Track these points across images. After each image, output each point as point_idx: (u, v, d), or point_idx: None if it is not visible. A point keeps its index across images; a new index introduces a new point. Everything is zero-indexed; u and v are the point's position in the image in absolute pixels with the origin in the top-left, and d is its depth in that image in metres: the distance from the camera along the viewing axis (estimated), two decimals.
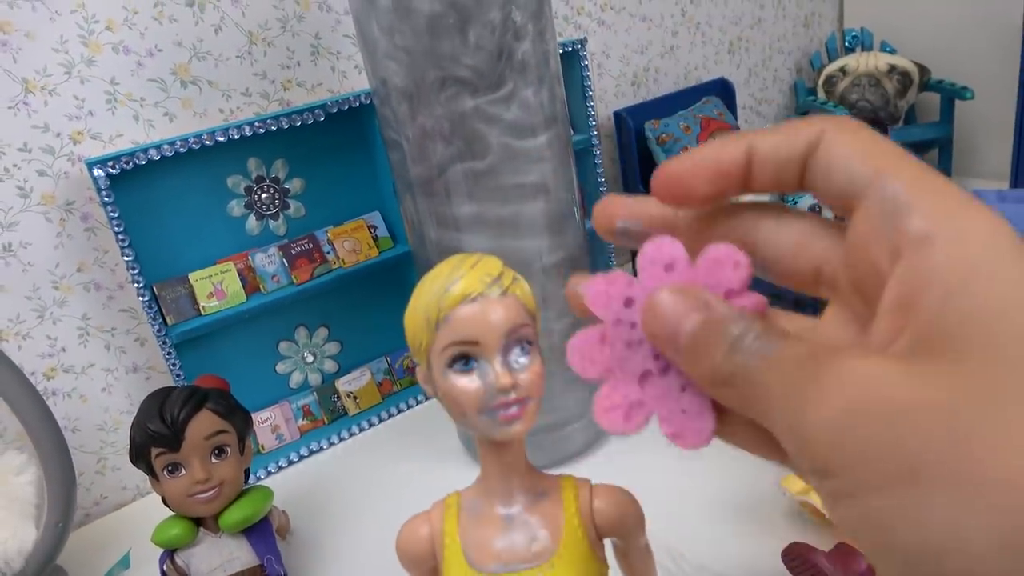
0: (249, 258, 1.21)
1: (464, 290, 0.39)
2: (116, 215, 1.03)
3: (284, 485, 1.19)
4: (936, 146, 1.87)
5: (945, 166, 1.87)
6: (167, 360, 1.11)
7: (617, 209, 0.25)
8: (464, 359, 0.39)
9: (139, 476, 1.25)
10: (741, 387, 0.19)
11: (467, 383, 0.38)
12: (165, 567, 0.89)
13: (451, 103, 0.88)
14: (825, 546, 0.80)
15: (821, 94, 1.94)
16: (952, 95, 1.80)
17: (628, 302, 0.24)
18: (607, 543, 0.43)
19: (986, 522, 0.14)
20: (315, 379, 1.34)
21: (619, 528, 0.39)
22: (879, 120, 1.47)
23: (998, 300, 0.16)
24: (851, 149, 0.19)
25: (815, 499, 0.85)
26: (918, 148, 1.89)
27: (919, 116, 1.99)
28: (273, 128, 1.13)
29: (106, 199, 1.02)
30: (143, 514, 1.16)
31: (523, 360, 0.40)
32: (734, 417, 0.22)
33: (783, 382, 0.18)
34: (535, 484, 0.41)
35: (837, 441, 0.16)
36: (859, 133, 0.19)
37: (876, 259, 0.18)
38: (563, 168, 0.98)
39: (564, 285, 0.89)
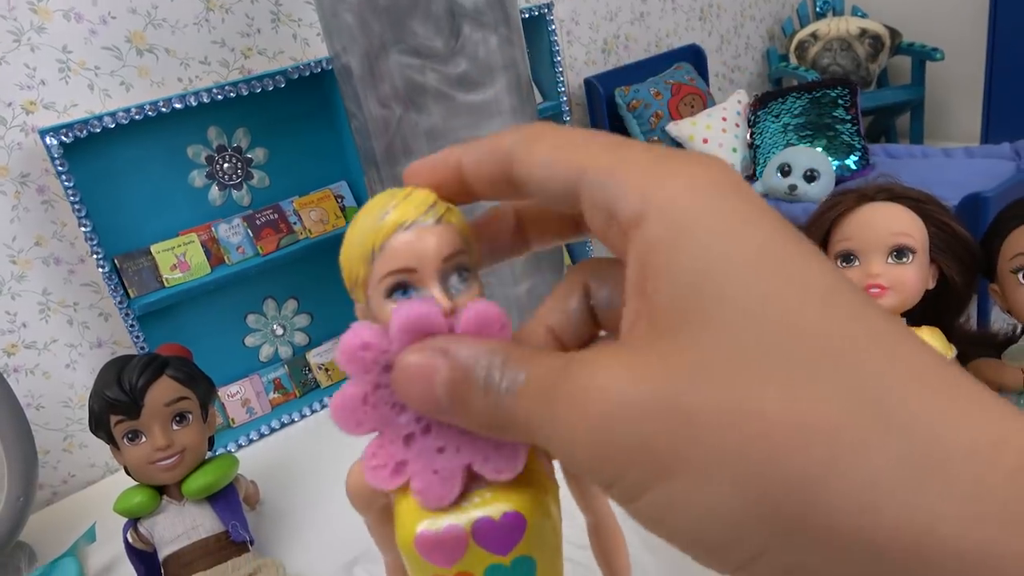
0: (212, 229, 1.19)
1: (398, 219, 0.38)
2: (71, 185, 1.01)
3: (255, 457, 1.17)
4: (908, 108, 1.86)
5: (917, 128, 1.87)
6: (131, 333, 1.09)
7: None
8: (403, 288, 0.38)
9: (108, 453, 1.23)
10: (511, 427, 0.19)
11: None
12: (129, 536, 0.88)
13: (404, 64, 0.87)
14: None
15: (793, 59, 1.93)
16: (923, 57, 1.80)
17: (387, 368, 0.24)
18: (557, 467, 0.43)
19: (729, 495, 0.14)
20: (286, 352, 1.33)
21: None
22: (851, 83, 1.46)
23: (701, 263, 0.15)
24: (547, 160, 0.19)
25: None
26: (891, 111, 1.89)
27: (891, 79, 1.98)
28: (232, 95, 1.11)
29: (60, 168, 1.00)
30: (112, 491, 1.14)
31: (461, 287, 0.39)
32: None
33: (536, 414, 0.18)
34: None
35: (600, 455, 0.16)
36: (545, 137, 0.19)
37: (616, 244, 0.18)
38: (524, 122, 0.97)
39: (532, 253, 0.88)
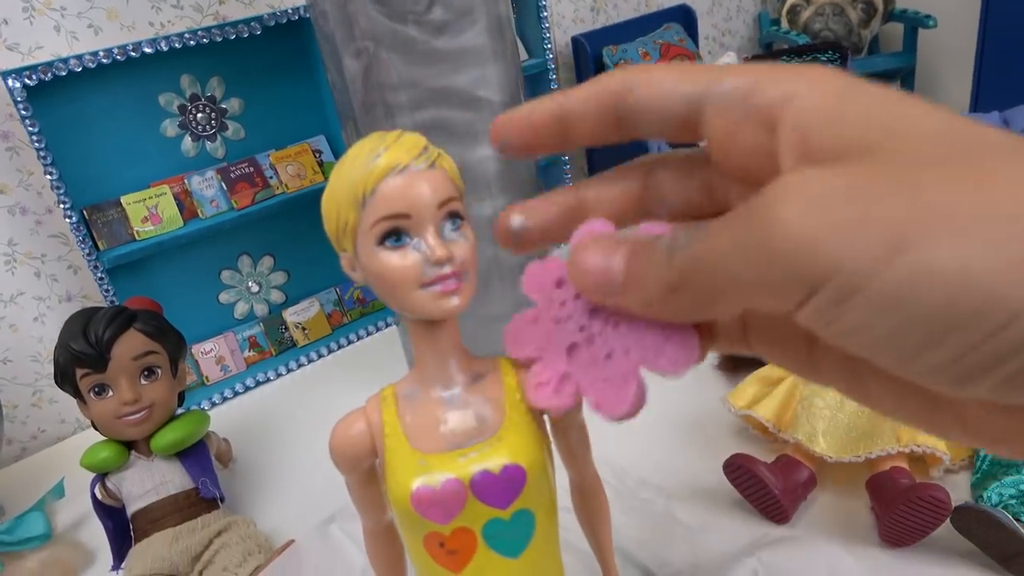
0: (185, 181, 1.16)
1: (390, 162, 0.36)
2: (36, 130, 0.97)
3: (229, 415, 1.16)
4: (899, 76, 1.84)
5: None
6: (100, 287, 1.07)
7: (513, 209, 0.26)
8: (395, 235, 0.36)
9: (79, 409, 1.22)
10: (695, 281, 0.19)
11: (399, 259, 0.35)
12: (96, 491, 0.86)
13: (380, 9, 0.83)
14: (767, 459, 0.80)
15: (785, 24, 1.90)
16: (916, 24, 1.78)
17: (559, 283, 0.26)
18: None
19: (985, 252, 0.14)
20: (261, 310, 1.31)
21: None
22: (843, 48, 1.43)
23: (876, 107, 0.17)
24: (670, 78, 0.21)
25: (759, 413, 0.85)
26: (882, 78, 1.87)
27: (883, 46, 1.96)
28: (206, 41, 1.07)
29: (24, 113, 0.96)
30: (83, 447, 1.12)
31: (455, 234, 0.37)
32: (714, 330, 0.24)
33: (733, 233, 0.17)
34: (472, 366, 0.39)
35: (814, 244, 0.16)
36: (667, 68, 0.21)
37: (753, 141, 0.19)
38: (507, 72, 0.93)
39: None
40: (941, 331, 0.15)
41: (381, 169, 0.36)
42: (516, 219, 0.25)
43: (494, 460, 0.36)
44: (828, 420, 0.80)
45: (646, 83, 0.21)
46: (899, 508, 0.70)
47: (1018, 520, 0.67)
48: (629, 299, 0.21)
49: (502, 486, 0.37)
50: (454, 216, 0.37)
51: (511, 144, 0.24)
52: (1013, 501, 0.69)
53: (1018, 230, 0.14)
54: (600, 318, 0.25)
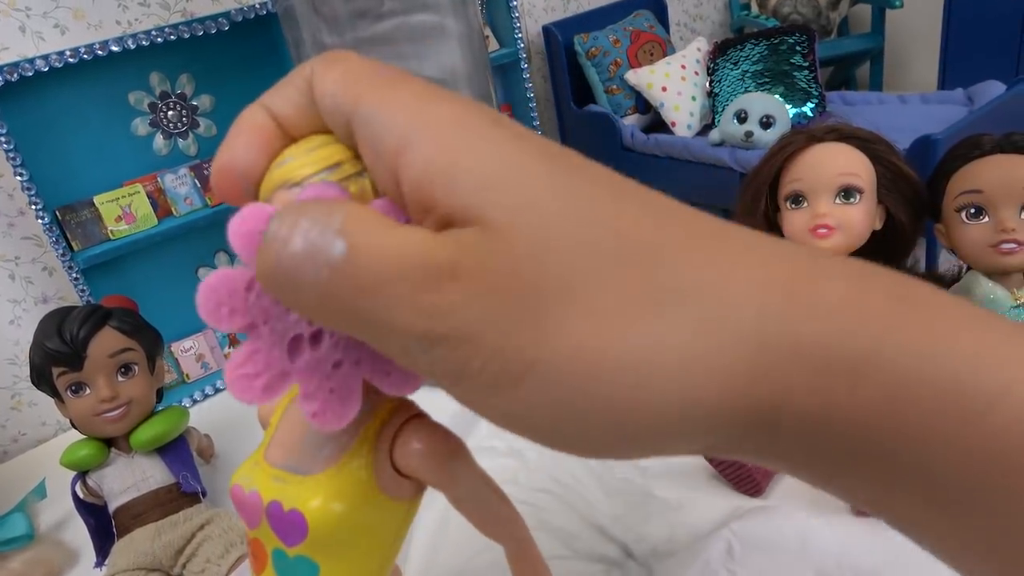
0: (158, 179, 1.15)
1: (286, 174, 0.35)
2: (4, 131, 0.96)
3: (210, 412, 1.16)
4: (868, 58, 1.87)
5: (876, 77, 1.87)
6: (76, 287, 1.07)
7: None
8: None
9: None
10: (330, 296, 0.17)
11: None
12: (77, 489, 0.86)
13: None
14: None
15: (755, 8, 1.91)
16: (883, 5, 1.80)
17: None
18: None
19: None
20: None
21: (419, 474, 0.35)
22: (810, 31, 1.45)
23: (489, 169, 0.16)
24: (335, 83, 0.19)
25: None
26: (851, 60, 1.89)
27: (851, 29, 1.98)
28: (173, 38, 1.07)
29: None
30: (64, 449, 1.13)
31: None
32: None
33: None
34: (369, 397, 0.38)
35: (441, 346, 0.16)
36: (341, 63, 0.19)
37: (385, 183, 0.18)
38: (475, 57, 0.94)
39: None
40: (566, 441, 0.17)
41: (275, 179, 0.35)
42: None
43: (290, 496, 0.35)
44: None
45: (319, 86, 0.19)
46: None
47: None
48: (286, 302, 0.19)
49: (284, 524, 0.35)
50: None
51: (253, 166, 0.21)
52: None
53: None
54: None
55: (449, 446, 0.36)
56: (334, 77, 0.19)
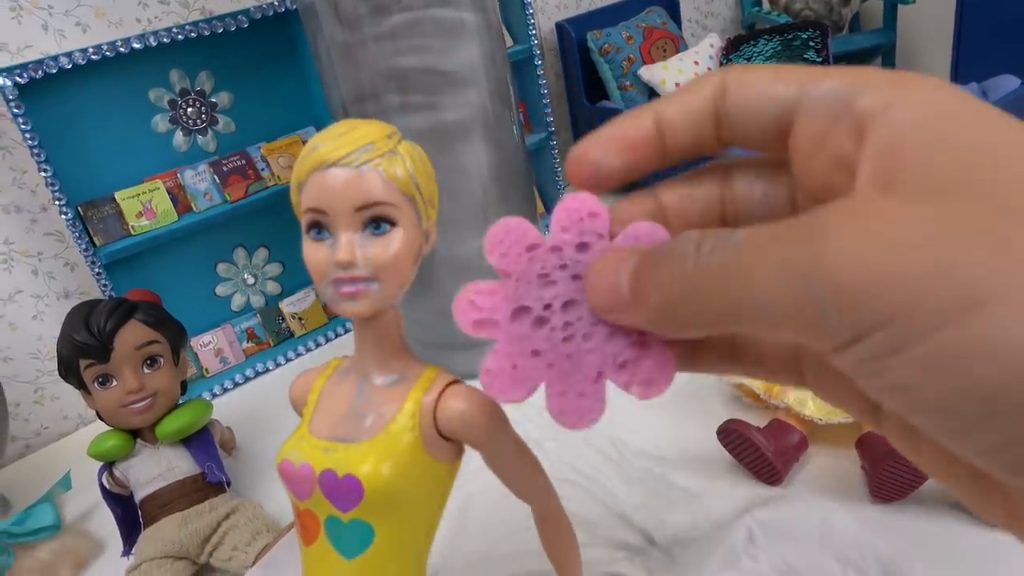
0: (178, 176, 1.17)
1: (321, 156, 0.37)
2: (29, 128, 0.98)
3: (230, 405, 1.17)
4: (880, 53, 1.87)
5: None
6: (98, 282, 1.08)
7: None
8: (317, 227, 0.37)
9: (81, 405, 1.23)
10: (714, 294, 0.17)
11: (315, 251, 0.36)
12: (104, 479, 0.87)
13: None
14: (760, 424, 0.82)
15: (766, 4, 1.92)
16: (894, 1, 1.80)
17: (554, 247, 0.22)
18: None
19: None
20: (258, 301, 1.32)
21: (460, 434, 0.37)
22: (823, 27, 1.45)
23: (975, 136, 0.15)
24: (764, 79, 0.19)
25: (752, 382, 0.87)
26: (863, 56, 1.89)
27: (863, 24, 1.98)
28: (193, 36, 1.08)
29: (16, 111, 0.97)
30: (86, 442, 1.14)
31: (373, 239, 0.37)
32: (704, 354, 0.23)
33: (775, 249, 0.16)
34: (402, 366, 0.39)
35: (875, 285, 0.14)
36: (762, 69, 0.19)
37: (838, 150, 0.17)
38: (493, 52, 0.95)
39: (505, 203, 0.84)
40: (997, 411, 0.13)
41: (311, 162, 0.36)
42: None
43: (342, 463, 0.37)
44: None
45: (740, 83, 0.19)
46: (888, 464, 0.72)
47: None
48: (632, 318, 0.19)
49: (341, 491, 0.37)
50: (377, 221, 0.36)
51: (607, 167, 0.21)
52: None
53: None
54: (585, 310, 0.23)
55: (487, 409, 0.37)
56: (759, 74, 0.19)
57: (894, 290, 0.13)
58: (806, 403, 0.82)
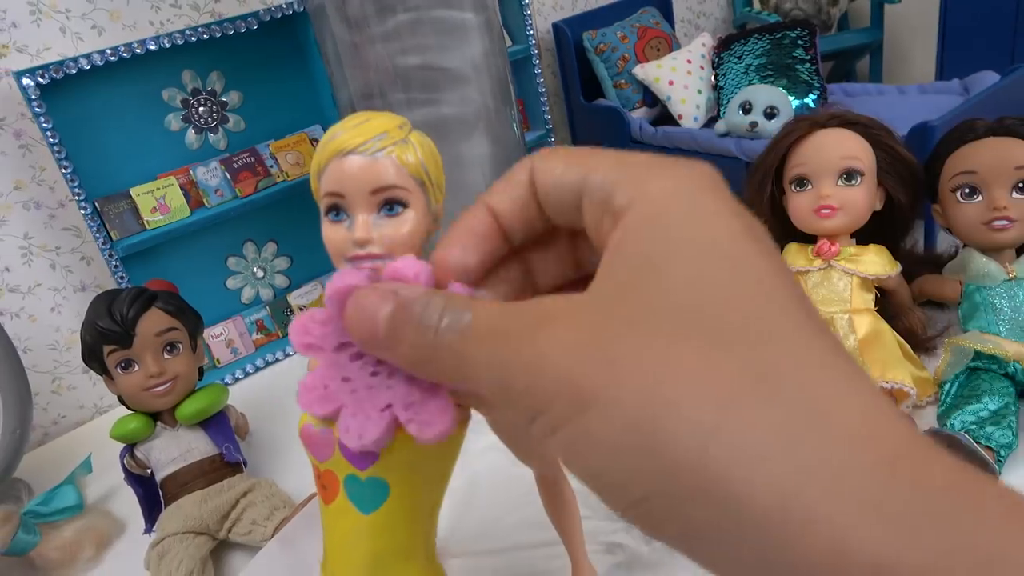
0: (191, 172, 1.21)
1: (339, 145, 0.41)
2: (50, 126, 1.02)
3: (242, 394, 1.21)
4: (868, 52, 1.92)
5: (876, 70, 1.92)
6: (115, 274, 1.12)
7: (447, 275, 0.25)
8: (336, 210, 0.42)
9: (97, 394, 1.27)
10: (449, 363, 0.20)
11: (334, 232, 0.41)
12: (125, 461, 0.92)
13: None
14: None
15: (757, 4, 1.97)
16: (881, 0, 1.85)
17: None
18: None
19: (631, 433, 0.16)
20: (267, 294, 1.36)
21: (464, 398, 0.41)
22: (811, 25, 1.50)
23: (660, 244, 0.18)
24: (558, 168, 0.21)
25: None
26: (851, 54, 1.94)
27: (851, 22, 2.03)
28: (205, 37, 1.13)
29: (38, 110, 1.01)
30: (103, 430, 1.18)
31: (387, 219, 0.42)
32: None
33: (472, 352, 0.19)
34: None
35: (532, 387, 0.18)
36: (559, 152, 0.22)
37: (600, 224, 0.20)
38: (493, 49, 0.99)
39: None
40: (605, 485, 0.17)
41: (330, 150, 0.41)
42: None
43: None
44: None
45: (542, 170, 0.22)
46: None
47: (977, 442, 0.73)
48: (388, 356, 0.22)
49: (358, 451, 0.41)
50: (391, 203, 0.41)
51: (470, 265, 0.23)
52: (973, 426, 0.76)
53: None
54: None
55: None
56: (558, 159, 0.22)
57: (546, 388, 0.17)
58: None
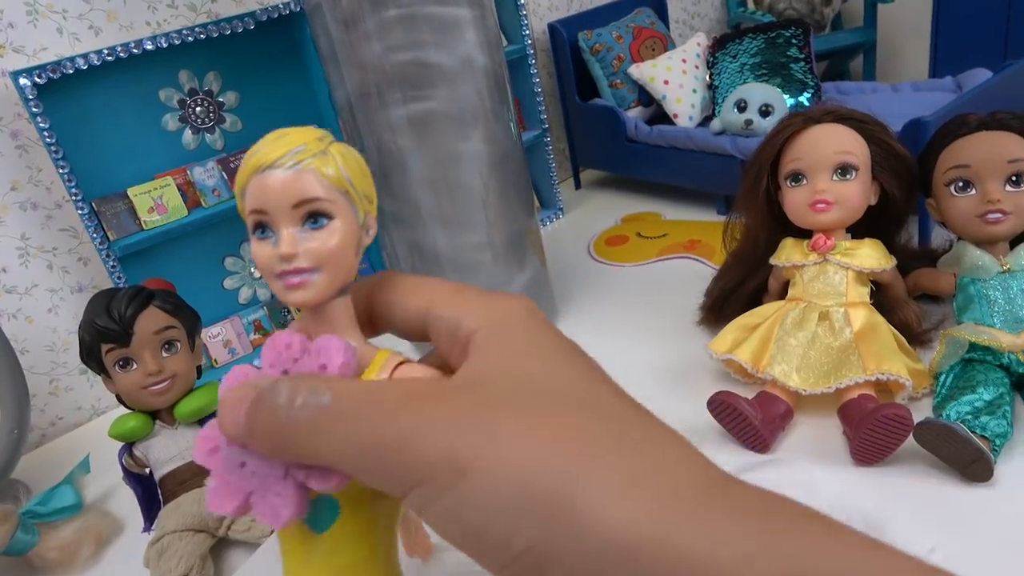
0: (188, 172, 1.21)
1: (257, 161, 0.42)
2: (47, 126, 1.02)
3: None
4: (861, 51, 1.93)
5: (870, 69, 1.94)
6: (112, 275, 1.12)
7: None
8: (261, 227, 0.42)
9: (94, 396, 1.27)
10: (292, 446, 0.21)
11: (260, 249, 0.41)
12: (124, 460, 0.92)
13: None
14: (747, 397, 0.87)
15: (751, 4, 1.98)
16: (875, 0, 1.86)
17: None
18: None
19: (511, 491, 0.18)
20: (264, 294, 1.36)
21: None
22: (804, 24, 1.51)
23: (493, 357, 0.22)
24: (400, 299, 0.27)
25: (739, 356, 0.91)
26: (845, 54, 1.95)
27: (844, 23, 2.04)
28: (202, 37, 1.13)
29: (35, 110, 1.01)
30: (100, 432, 1.18)
31: (312, 232, 0.42)
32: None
33: (349, 421, 0.21)
34: (363, 349, 0.44)
35: (408, 459, 0.19)
36: (397, 284, 0.27)
37: (457, 360, 0.24)
38: (489, 43, 0.99)
39: (504, 197, 0.91)
40: (487, 544, 0.19)
41: (249, 167, 0.41)
42: None
43: None
44: (801, 357, 0.87)
45: (382, 301, 0.27)
46: (866, 428, 0.77)
47: (973, 431, 0.74)
48: (251, 444, 0.23)
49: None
50: (314, 215, 0.42)
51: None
52: (968, 416, 0.76)
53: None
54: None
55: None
56: (397, 292, 0.27)
57: (424, 459, 0.19)
58: (791, 375, 0.87)
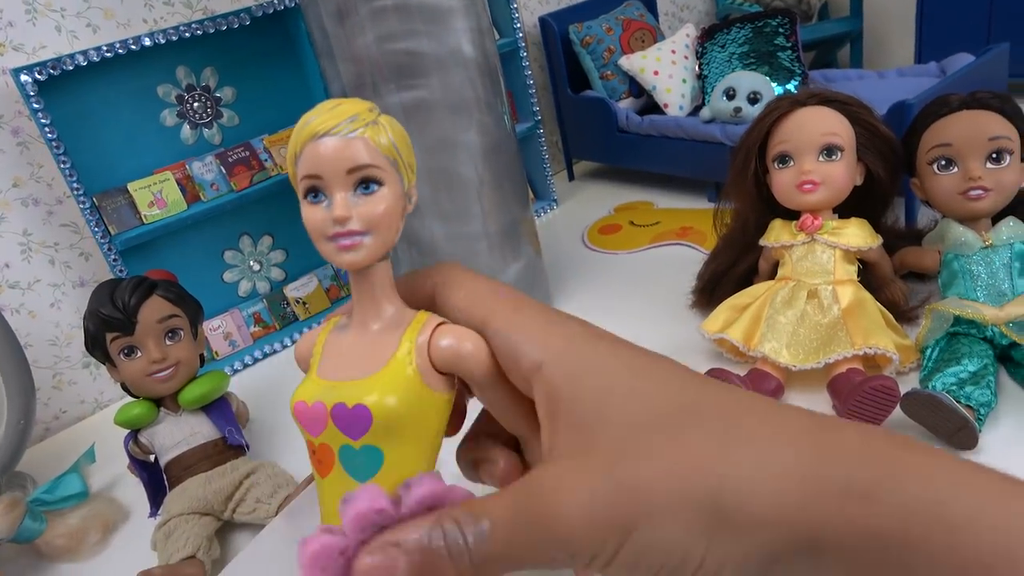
0: (186, 167, 1.23)
1: (313, 128, 0.44)
2: (48, 122, 1.04)
3: (240, 385, 1.23)
4: (848, 40, 1.95)
5: (857, 58, 1.96)
6: (113, 268, 1.14)
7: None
8: (314, 192, 0.44)
9: (97, 389, 1.28)
10: (494, 570, 0.21)
11: (313, 213, 0.44)
12: (129, 447, 0.93)
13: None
14: (739, 374, 0.89)
15: None
16: None
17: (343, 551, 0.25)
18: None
19: (679, 525, 0.20)
20: (263, 287, 1.38)
21: (452, 364, 0.45)
22: (791, 14, 1.53)
23: (590, 401, 0.22)
24: (463, 301, 0.27)
25: (731, 335, 0.93)
26: (832, 43, 1.98)
27: (831, 12, 2.07)
28: (199, 33, 1.15)
29: (36, 106, 1.03)
30: (103, 425, 1.20)
31: (364, 197, 0.45)
32: None
33: (516, 542, 0.21)
34: (395, 313, 0.47)
35: (588, 536, 0.20)
36: (462, 286, 0.28)
37: (520, 383, 0.24)
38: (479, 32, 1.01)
39: (498, 188, 0.92)
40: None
41: (305, 134, 0.44)
42: None
43: (351, 396, 0.44)
44: (790, 334, 0.90)
45: (445, 301, 0.28)
46: (855, 399, 0.79)
47: (958, 401, 0.76)
48: None
49: (351, 420, 0.43)
50: (365, 182, 0.45)
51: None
52: (954, 387, 0.78)
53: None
54: None
55: (473, 341, 0.45)
56: (460, 296, 0.27)
57: (589, 537, 0.20)
58: (781, 352, 0.89)
